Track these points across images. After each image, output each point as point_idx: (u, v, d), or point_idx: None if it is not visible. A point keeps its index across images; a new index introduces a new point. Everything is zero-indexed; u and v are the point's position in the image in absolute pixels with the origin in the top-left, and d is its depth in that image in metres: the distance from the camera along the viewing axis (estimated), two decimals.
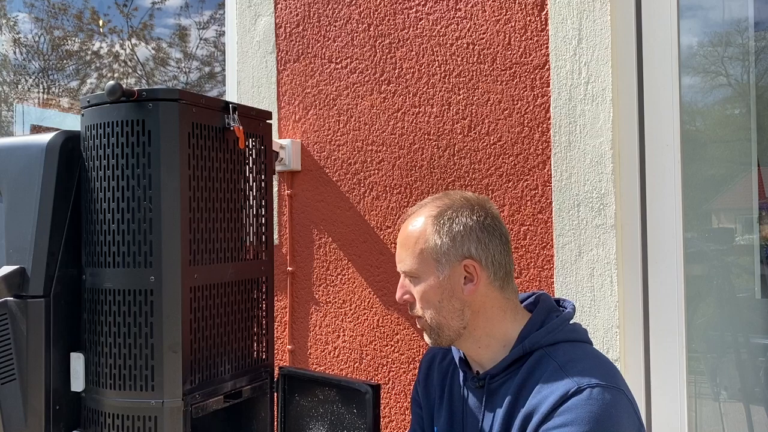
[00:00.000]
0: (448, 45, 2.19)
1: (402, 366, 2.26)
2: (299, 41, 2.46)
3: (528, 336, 1.37)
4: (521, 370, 1.35)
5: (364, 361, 2.32)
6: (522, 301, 1.48)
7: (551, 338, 1.36)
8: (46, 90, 4.00)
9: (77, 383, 1.41)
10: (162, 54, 3.78)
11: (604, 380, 1.28)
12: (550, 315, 1.41)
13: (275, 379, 1.65)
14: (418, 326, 1.43)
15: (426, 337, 1.43)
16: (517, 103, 2.07)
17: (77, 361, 1.41)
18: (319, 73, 2.42)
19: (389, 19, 2.29)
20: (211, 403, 1.43)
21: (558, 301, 1.48)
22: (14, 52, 3.99)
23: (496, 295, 1.40)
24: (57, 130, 1.46)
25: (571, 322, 1.42)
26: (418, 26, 2.24)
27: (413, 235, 1.41)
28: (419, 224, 1.41)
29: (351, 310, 2.35)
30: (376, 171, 2.30)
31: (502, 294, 1.40)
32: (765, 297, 2.12)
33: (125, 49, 3.81)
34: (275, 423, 1.64)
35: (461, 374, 1.47)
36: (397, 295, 1.44)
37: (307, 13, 2.45)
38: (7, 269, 1.39)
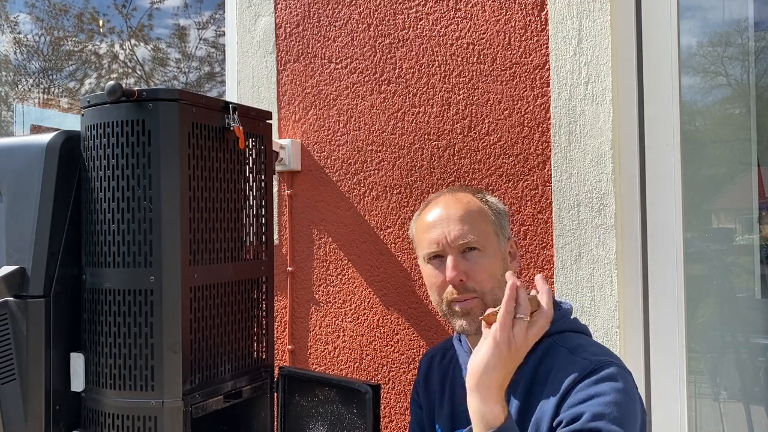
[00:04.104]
0: (448, 45, 2.19)
1: (402, 366, 2.26)
2: (299, 41, 2.46)
3: None
4: (531, 358, 1.35)
5: (364, 361, 2.32)
6: None
7: (558, 327, 1.38)
8: (46, 90, 4.00)
9: (77, 383, 1.41)
10: (161, 54, 3.78)
11: (616, 361, 1.33)
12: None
13: (275, 379, 1.65)
14: (466, 308, 1.40)
15: (467, 323, 1.40)
16: (517, 103, 2.07)
17: (77, 361, 1.41)
18: (319, 73, 2.42)
19: (389, 19, 2.29)
20: (211, 403, 1.43)
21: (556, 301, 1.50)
22: (15, 53, 3.99)
23: None
24: (57, 130, 1.46)
25: (572, 317, 1.45)
26: (418, 26, 2.24)
27: (473, 209, 1.42)
28: (474, 201, 1.44)
29: (351, 310, 2.35)
30: (376, 171, 2.30)
31: None
32: (765, 297, 2.12)
33: (125, 50, 3.81)
34: (275, 423, 1.64)
35: (465, 369, 1.48)
36: (452, 275, 1.39)
37: (307, 13, 2.45)
38: (7, 269, 1.39)
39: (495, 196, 2.07)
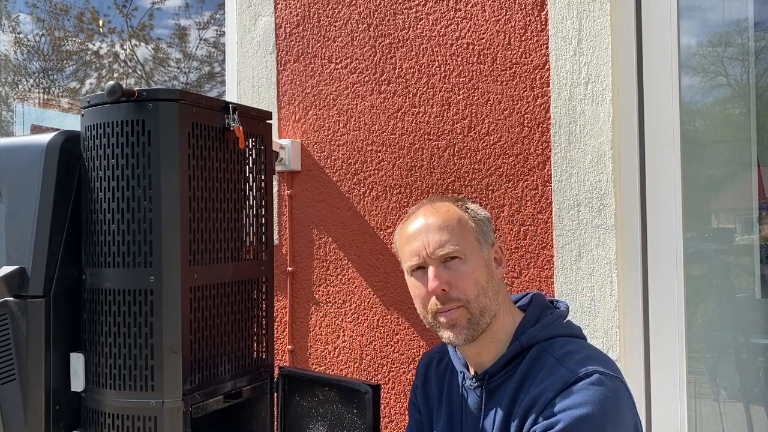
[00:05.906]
0: (448, 45, 2.19)
1: (402, 366, 2.26)
2: (299, 41, 2.46)
3: (524, 332, 1.38)
4: (520, 367, 1.35)
5: (364, 361, 2.32)
6: (516, 302, 1.49)
7: (547, 333, 1.38)
8: (46, 90, 4.00)
9: (77, 383, 1.41)
10: (162, 54, 3.78)
11: (603, 369, 1.30)
12: (544, 312, 1.44)
13: (275, 379, 1.65)
14: (451, 318, 1.36)
15: (453, 334, 1.36)
16: (517, 103, 2.07)
17: (77, 361, 1.41)
18: (319, 73, 2.42)
19: (389, 19, 2.29)
20: (211, 403, 1.43)
21: (551, 301, 1.50)
22: (15, 53, 3.99)
23: (504, 286, 1.46)
24: (57, 130, 1.46)
25: (565, 320, 1.44)
26: (418, 26, 2.24)
27: (453, 218, 1.41)
28: (453, 210, 1.43)
29: (351, 310, 2.35)
30: (376, 171, 2.30)
31: (504, 287, 1.47)
32: (765, 297, 2.12)
33: (125, 50, 3.82)
34: (275, 423, 1.64)
35: (460, 376, 1.47)
36: (433, 285, 1.36)
37: (307, 13, 2.45)
38: (7, 269, 1.39)
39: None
